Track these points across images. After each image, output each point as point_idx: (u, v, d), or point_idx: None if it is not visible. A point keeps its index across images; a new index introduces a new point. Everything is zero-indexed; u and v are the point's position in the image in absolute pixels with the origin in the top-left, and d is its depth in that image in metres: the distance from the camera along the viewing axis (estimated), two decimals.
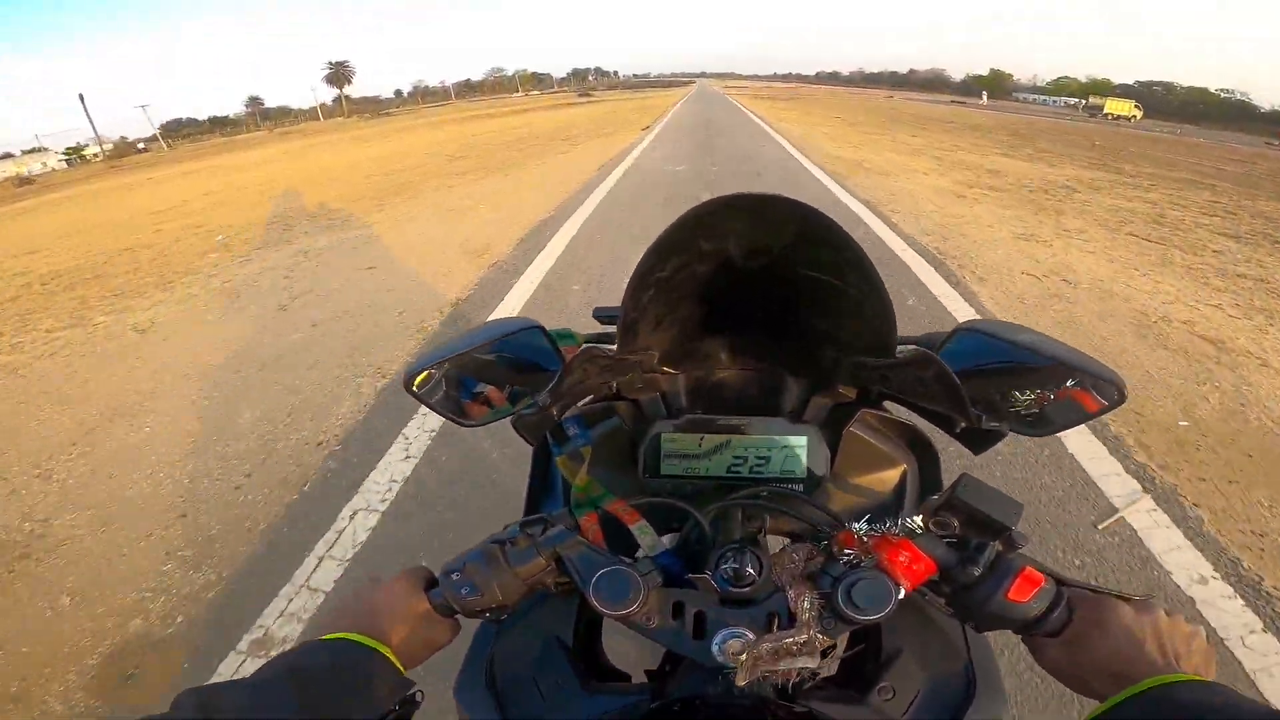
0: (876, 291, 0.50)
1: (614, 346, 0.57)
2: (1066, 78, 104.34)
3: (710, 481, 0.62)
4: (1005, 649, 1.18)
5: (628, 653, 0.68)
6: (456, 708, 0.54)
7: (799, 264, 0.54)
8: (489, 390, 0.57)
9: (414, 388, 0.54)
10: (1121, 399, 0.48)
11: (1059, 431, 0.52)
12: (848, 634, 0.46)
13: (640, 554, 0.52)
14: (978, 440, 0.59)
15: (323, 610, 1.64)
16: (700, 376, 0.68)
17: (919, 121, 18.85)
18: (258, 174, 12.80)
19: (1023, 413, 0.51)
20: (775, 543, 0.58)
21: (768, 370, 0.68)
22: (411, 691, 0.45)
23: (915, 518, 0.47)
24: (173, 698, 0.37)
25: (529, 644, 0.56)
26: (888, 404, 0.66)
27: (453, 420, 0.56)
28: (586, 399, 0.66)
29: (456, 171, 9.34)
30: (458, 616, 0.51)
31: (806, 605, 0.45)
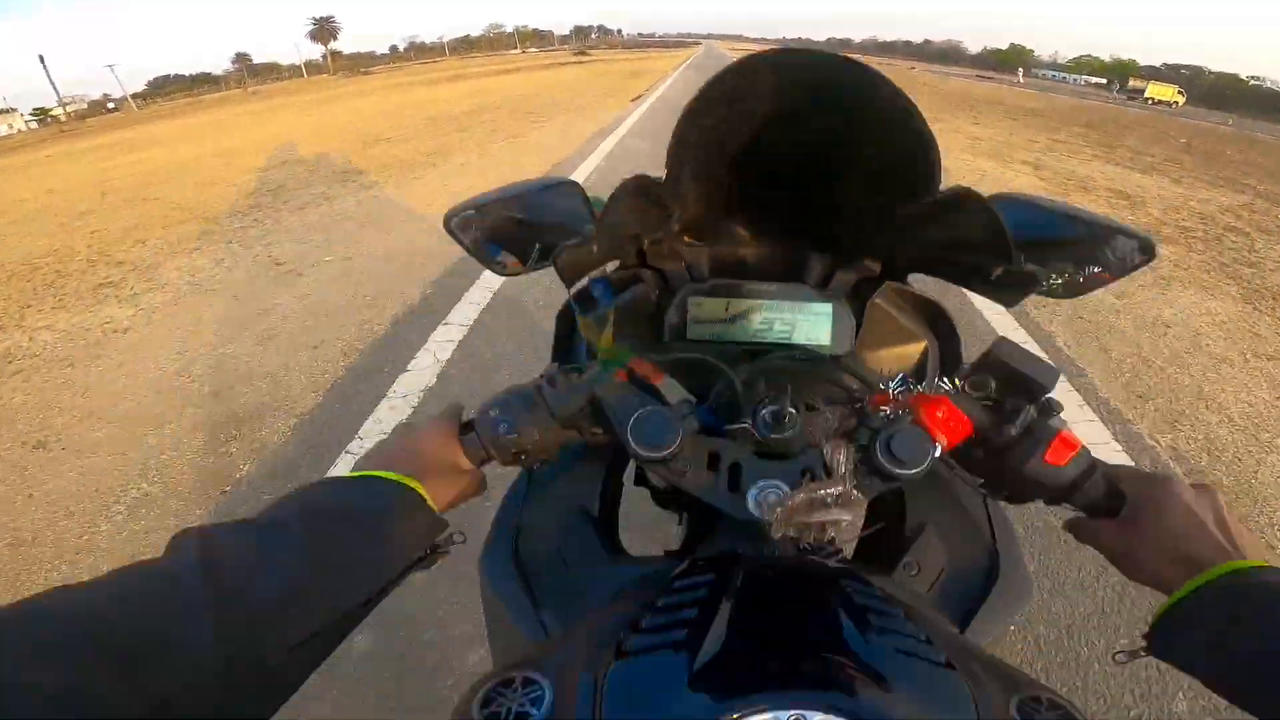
0: (925, 141, 0.49)
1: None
2: (1089, 56, 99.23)
3: (736, 347, 0.62)
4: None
5: (644, 542, 0.70)
6: (481, 578, 0.54)
7: (848, 132, 0.54)
8: (524, 240, 0.55)
9: (453, 229, 0.54)
10: (1154, 255, 0.49)
11: (1085, 294, 0.53)
12: (865, 507, 0.44)
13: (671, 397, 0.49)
14: (1011, 290, 0.55)
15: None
16: (725, 250, 0.68)
17: (968, 103, 15.95)
18: (129, 162, 10.17)
19: (1052, 280, 0.51)
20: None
21: (792, 245, 0.68)
22: (449, 532, 0.44)
23: (951, 380, 0.46)
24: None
25: (554, 515, 0.57)
26: (911, 279, 0.66)
27: (487, 265, 0.56)
28: (613, 265, 0.65)
29: (344, 169, 6.66)
30: (488, 467, 0.50)
31: (843, 458, 0.44)
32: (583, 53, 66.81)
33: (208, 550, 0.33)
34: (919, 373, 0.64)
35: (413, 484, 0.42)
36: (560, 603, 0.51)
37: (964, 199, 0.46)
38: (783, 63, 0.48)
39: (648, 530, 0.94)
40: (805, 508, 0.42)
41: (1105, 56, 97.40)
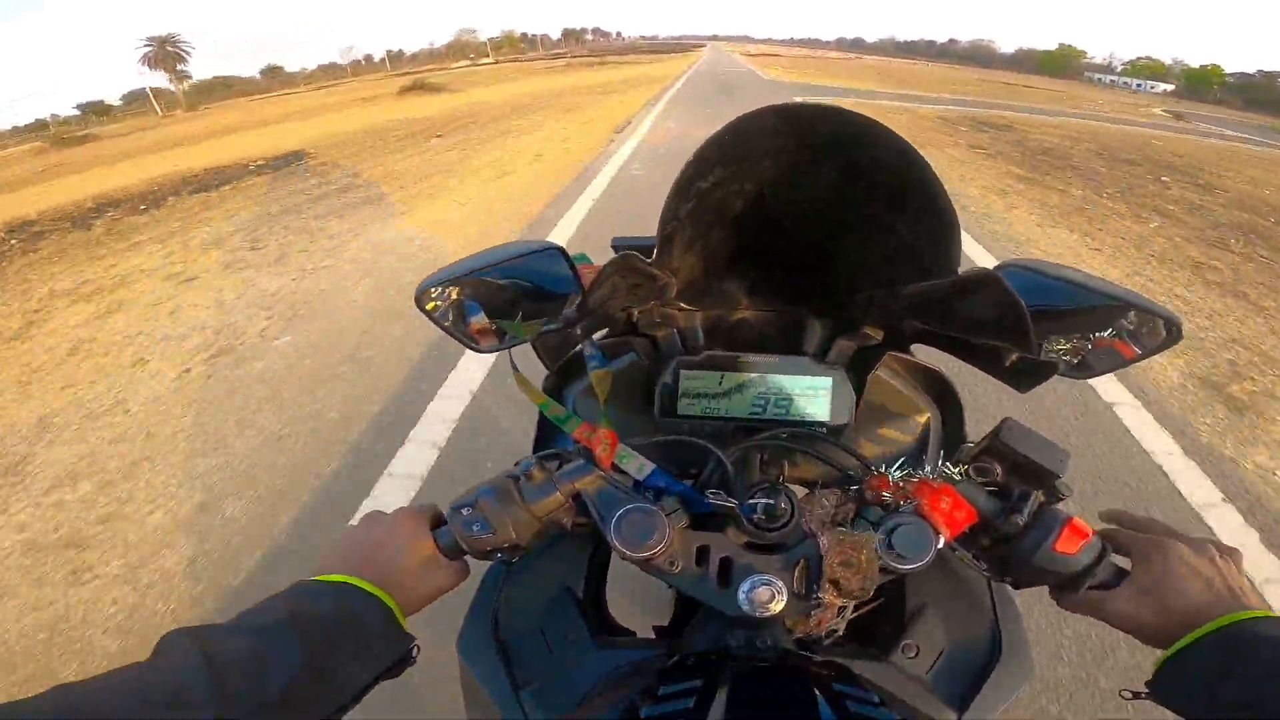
0: (942, 213, 0.50)
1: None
2: (1148, 58, 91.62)
3: (729, 424, 0.63)
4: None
5: (632, 612, 0.71)
6: (459, 661, 0.55)
7: (852, 191, 0.54)
8: (504, 314, 0.55)
9: (424, 305, 0.53)
10: (1178, 336, 0.48)
11: (1100, 375, 0.54)
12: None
13: (654, 487, 0.53)
14: (1026, 376, 0.57)
15: None
16: (720, 315, 0.69)
17: (1077, 155, 8.85)
18: None
19: (1064, 356, 0.51)
20: (798, 492, 0.55)
21: (790, 311, 0.69)
22: (409, 647, 0.47)
23: (955, 464, 0.48)
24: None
25: (536, 594, 0.58)
26: (914, 350, 0.67)
27: (463, 342, 0.55)
28: (602, 332, 0.67)
29: None
30: (466, 559, 0.51)
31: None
32: (558, 58, 61.49)
33: (208, 652, 0.36)
34: (921, 445, 0.66)
35: (383, 596, 0.45)
36: (543, 689, 0.53)
37: (984, 283, 0.46)
38: (789, 118, 0.49)
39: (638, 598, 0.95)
40: (800, 607, 0.46)
41: (1166, 59, 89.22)
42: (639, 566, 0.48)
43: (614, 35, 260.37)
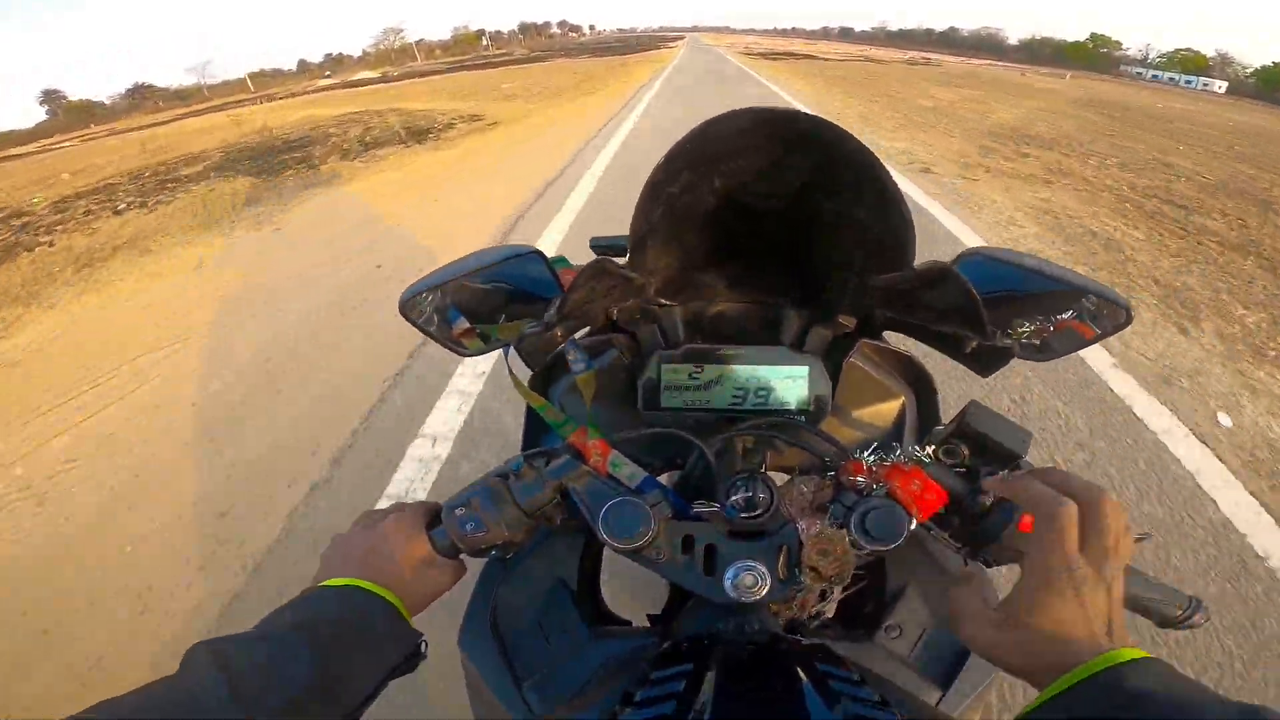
0: (897, 207, 0.56)
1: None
2: (1189, 50, 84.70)
3: (711, 414, 0.69)
4: None
5: (627, 601, 0.78)
6: (461, 657, 0.61)
7: (817, 185, 0.61)
8: (486, 318, 0.63)
9: (409, 313, 0.60)
10: (1128, 320, 0.56)
11: (1062, 356, 0.59)
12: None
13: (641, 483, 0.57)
14: (986, 361, 0.63)
15: None
16: (698, 309, 0.75)
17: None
18: None
19: (1026, 339, 0.58)
20: (778, 478, 0.61)
21: (766, 302, 0.75)
22: (418, 642, 0.51)
23: (925, 446, 0.52)
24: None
25: (533, 589, 0.63)
26: (887, 335, 0.74)
27: (449, 347, 0.63)
28: (583, 331, 0.72)
29: None
30: (462, 558, 0.57)
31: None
32: (486, 61, 49.65)
33: (224, 662, 0.41)
34: (897, 430, 0.73)
35: (388, 595, 0.50)
36: (543, 680, 0.58)
37: (943, 275, 0.53)
38: (755, 120, 0.54)
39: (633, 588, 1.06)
40: (789, 594, 0.51)
41: (1209, 50, 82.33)
42: (628, 557, 0.53)
43: (586, 30, 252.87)
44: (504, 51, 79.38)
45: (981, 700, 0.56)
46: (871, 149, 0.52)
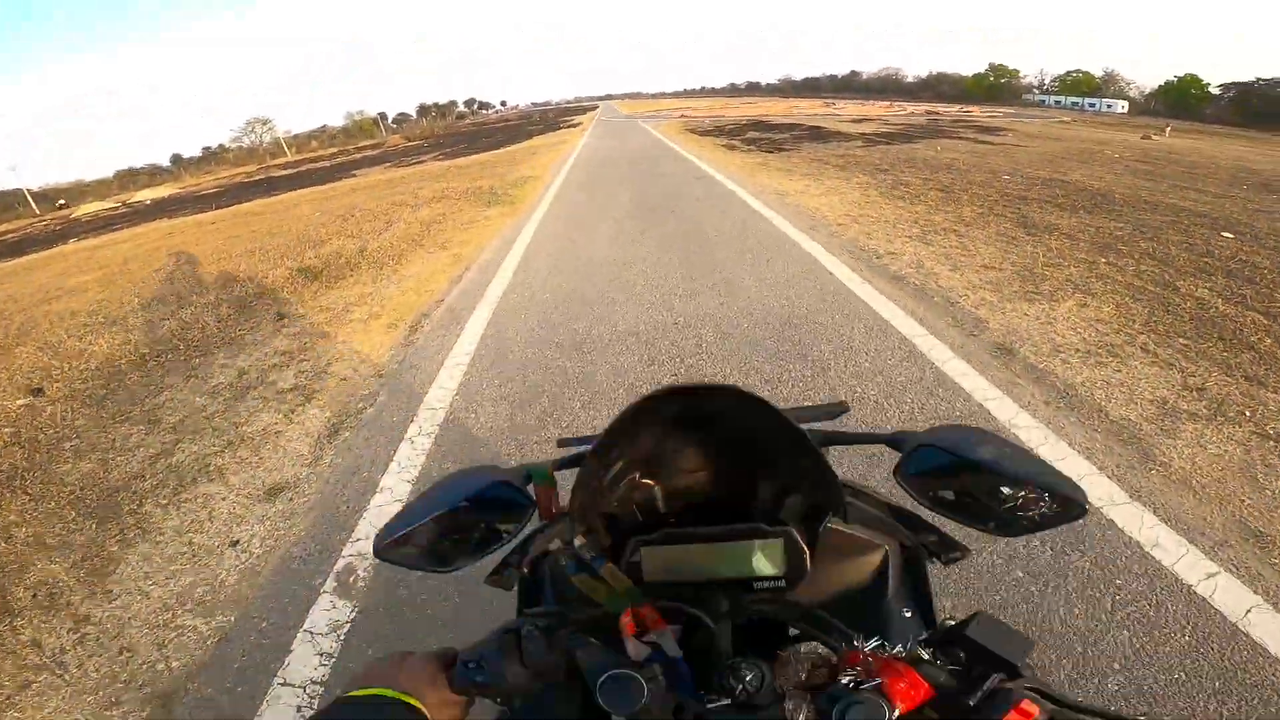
0: (813, 459, 0.69)
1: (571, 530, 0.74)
2: (1078, 72, 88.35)
3: (692, 585, 0.73)
4: None
5: None
6: None
7: (741, 437, 0.74)
8: (461, 539, 0.73)
9: (387, 557, 0.69)
10: (1082, 513, 0.62)
11: (1029, 534, 0.66)
12: None
13: (645, 656, 0.63)
14: (948, 550, 0.79)
15: None
16: (673, 484, 0.79)
17: None
18: None
19: (999, 511, 0.65)
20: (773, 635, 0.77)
21: (740, 471, 0.79)
22: None
23: (924, 646, 0.57)
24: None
25: None
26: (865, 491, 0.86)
27: (434, 572, 0.72)
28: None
29: None
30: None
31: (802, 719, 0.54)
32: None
33: None
34: (880, 578, 0.78)
35: (416, 703, 0.56)
36: None
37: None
38: (668, 401, 0.67)
39: None
40: None
41: (1096, 71, 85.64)
42: None
43: (498, 105, 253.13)
44: (376, 143, 71.09)
45: None
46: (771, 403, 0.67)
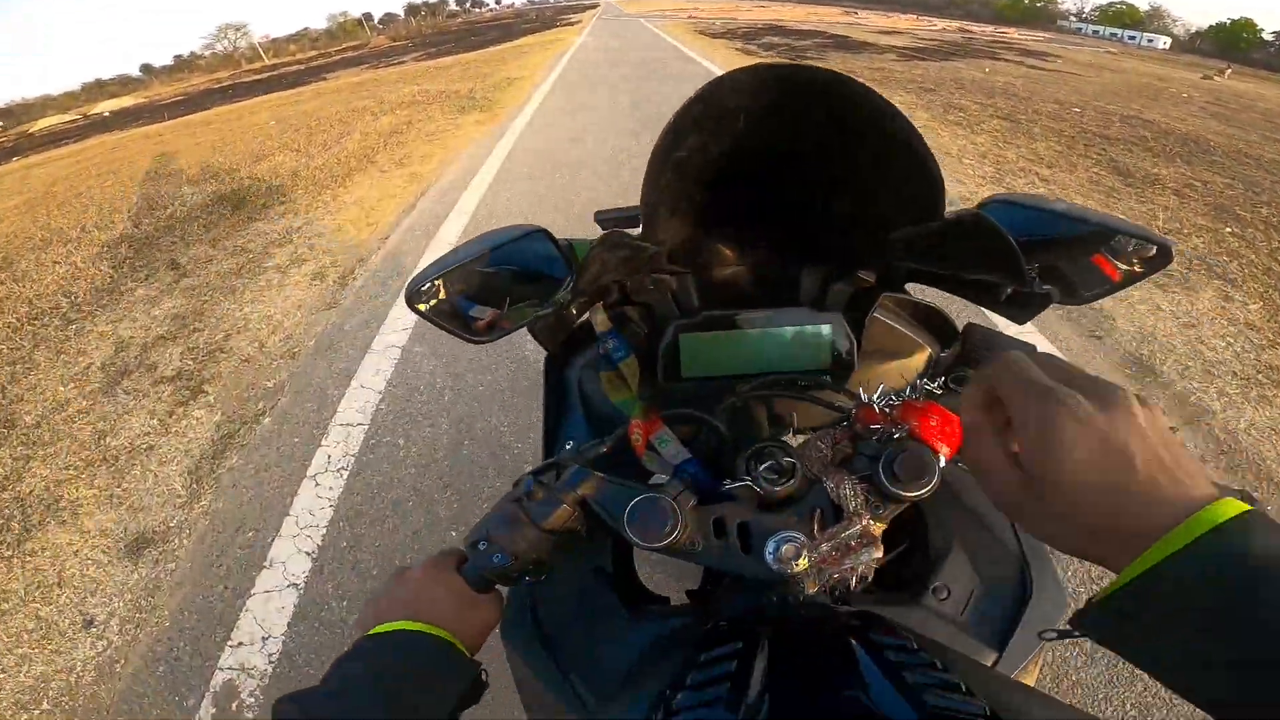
0: (921, 159, 0.54)
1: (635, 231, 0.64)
2: (1122, 3, 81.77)
3: (734, 380, 0.68)
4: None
5: (664, 579, 0.77)
6: (508, 654, 0.61)
7: (833, 141, 0.60)
8: (496, 302, 0.62)
9: (417, 304, 0.59)
10: (1167, 259, 0.53)
11: (1095, 299, 0.58)
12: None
13: (656, 478, 0.58)
14: (1022, 307, 0.63)
15: None
16: (713, 273, 0.75)
17: None
18: None
19: (1054, 282, 0.57)
20: (792, 440, 0.62)
21: (782, 260, 0.73)
22: (478, 672, 0.52)
23: (934, 379, 0.54)
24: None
25: (569, 578, 0.63)
26: (910, 287, 0.73)
27: (461, 336, 0.61)
28: (596, 303, 0.73)
29: None
30: (498, 589, 0.57)
31: (849, 492, 0.48)
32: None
33: (309, 715, 0.44)
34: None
35: (442, 634, 0.51)
36: (589, 669, 0.58)
37: (974, 223, 0.51)
38: (764, 77, 0.53)
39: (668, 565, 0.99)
40: (833, 556, 0.47)
41: (1141, 3, 79.51)
42: (661, 554, 0.51)
43: (492, 3, 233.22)
44: (358, 44, 65.80)
45: (1038, 659, 0.54)
46: (892, 101, 0.52)
